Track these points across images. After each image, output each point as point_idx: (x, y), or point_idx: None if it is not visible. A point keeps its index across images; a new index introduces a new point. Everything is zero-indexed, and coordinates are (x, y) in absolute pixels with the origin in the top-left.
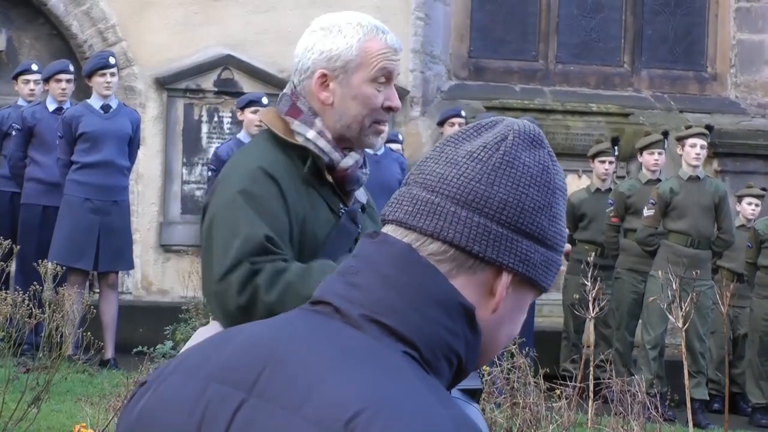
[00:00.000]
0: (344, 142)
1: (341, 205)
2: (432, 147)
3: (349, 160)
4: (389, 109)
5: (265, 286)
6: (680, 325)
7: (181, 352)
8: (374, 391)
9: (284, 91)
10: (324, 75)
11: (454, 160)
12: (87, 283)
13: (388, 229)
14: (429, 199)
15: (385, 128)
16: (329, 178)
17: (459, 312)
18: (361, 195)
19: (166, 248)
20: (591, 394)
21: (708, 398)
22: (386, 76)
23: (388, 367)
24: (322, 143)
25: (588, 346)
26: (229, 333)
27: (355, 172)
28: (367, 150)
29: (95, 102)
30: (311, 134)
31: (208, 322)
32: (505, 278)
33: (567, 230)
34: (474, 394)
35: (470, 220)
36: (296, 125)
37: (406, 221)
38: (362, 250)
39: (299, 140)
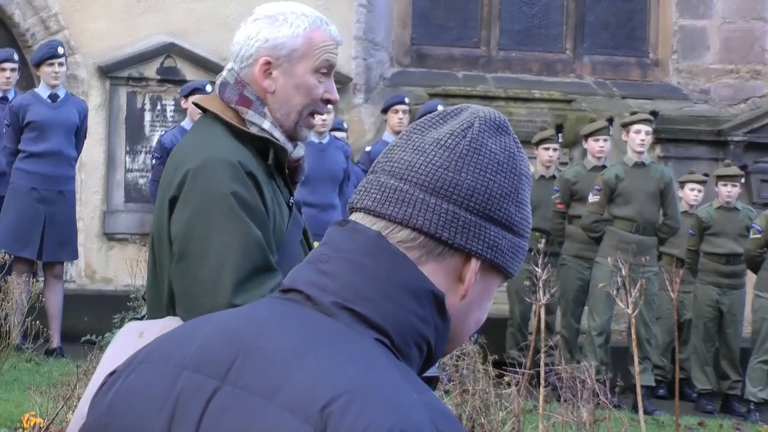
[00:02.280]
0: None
1: (290, 197)
2: (375, 133)
3: (300, 151)
4: (328, 102)
5: None
6: (630, 311)
7: (111, 344)
8: (348, 377)
9: (223, 79)
10: (268, 63)
11: (422, 148)
12: (31, 272)
13: (357, 217)
14: (397, 187)
15: (318, 123)
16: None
17: (429, 299)
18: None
19: (109, 237)
20: (542, 381)
21: (654, 384)
22: (327, 68)
23: (360, 353)
24: (277, 134)
25: (534, 333)
26: (198, 322)
27: (304, 163)
28: (312, 138)
29: (43, 91)
30: (267, 125)
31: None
32: (474, 264)
33: None
34: (430, 382)
35: (439, 207)
36: (251, 115)
37: (375, 209)
38: (331, 237)
39: (254, 131)
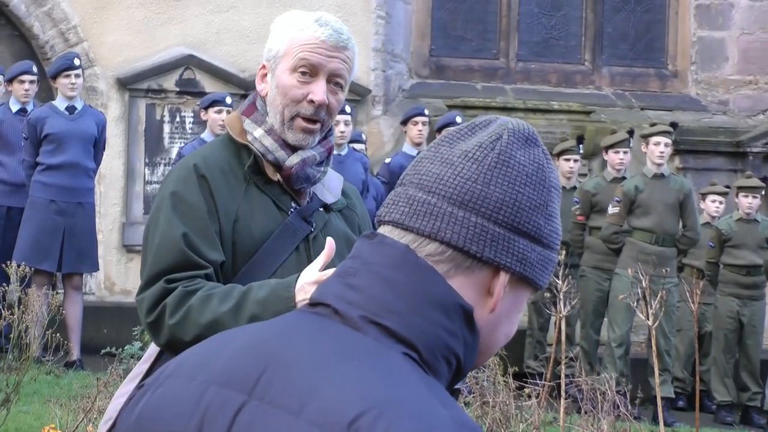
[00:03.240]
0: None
1: (293, 204)
2: (394, 145)
3: (294, 158)
4: (312, 103)
5: (170, 307)
6: (650, 323)
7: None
8: (376, 393)
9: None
10: (264, 67)
11: (450, 160)
12: (51, 284)
13: (385, 230)
14: (425, 200)
15: (312, 127)
16: (277, 176)
17: (457, 312)
18: (325, 194)
19: (128, 248)
20: (563, 393)
21: (674, 396)
22: (309, 69)
23: (388, 368)
24: (267, 141)
25: (554, 344)
26: (227, 336)
27: (302, 170)
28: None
29: (60, 103)
30: (258, 132)
31: None
32: (503, 278)
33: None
34: (452, 394)
35: (467, 220)
36: (246, 124)
37: (403, 222)
38: (360, 251)
39: (249, 138)
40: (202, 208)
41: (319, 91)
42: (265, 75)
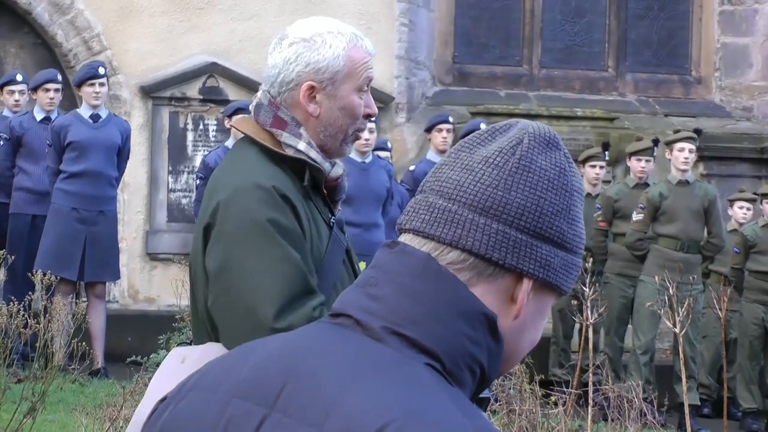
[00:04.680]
0: (323, 152)
1: (330, 216)
2: (418, 152)
3: (338, 169)
4: (368, 116)
5: None
6: (678, 330)
7: (158, 370)
8: (399, 404)
9: (258, 100)
10: (312, 87)
11: (470, 166)
12: (74, 293)
13: (406, 239)
14: (446, 207)
15: (362, 138)
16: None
17: (481, 321)
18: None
19: (152, 256)
20: (590, 401)
21: (699, 403)
22: (368, 84)
23: (411, 379)
24: (313, 154)
25: (580, 352)
26: (248, 348)
27: (344, 181)
28: (355, 157)
29: (84, 111)
30: (302, 146)
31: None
32: (526, 284)
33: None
34: (481, 403)
35: (488, 227)
36: (285, 137)
37: (424, 230)
38: (380, 260)
39: (289, 152)
40: (299, 233)
41: (373, 104)
42: (313, 95)
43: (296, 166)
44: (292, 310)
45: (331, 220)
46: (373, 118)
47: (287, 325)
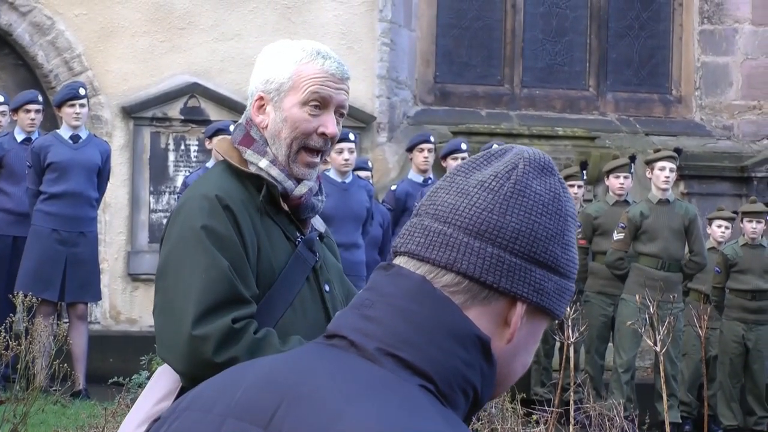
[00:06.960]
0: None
1: (298, 234)
2: (399, 172)
3: (302, 188)
4: (323, 136)
5: (245, 359)
6: (658, 348)
7: (151, 384)
8: (394, 425)
9: (240, 120)
10: (261, 98)
11: (465, 190)
12: (55, 314)
13: (401, 261)
14: (441, 230)
15: (316, 160)
16: (284, 206)
17: (474, 344)
18: (318, 224)
19: (134, 277)
20: (572, 419)
21: (680, 421)
22: (320, 101)
23: (405, 400)
24: (274, 172)
25: (561, 370)
26: (243, 368)
27: (309, 200)
28: (335, 177)
29: (65, 132)
30: (264, 163)
31: None
32: (520, 308)
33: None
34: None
35: (483, 250)
36: (249, 154)
37: (419, 253)
38: (376, 282)
39: (252, 169)
40: (235, 241)
41: (330, 124)
42: (263, 106)
43: (258, 183)
44: (212, 319)
45: (298, 238)
46: (332, 138)
47: (204, 333)
